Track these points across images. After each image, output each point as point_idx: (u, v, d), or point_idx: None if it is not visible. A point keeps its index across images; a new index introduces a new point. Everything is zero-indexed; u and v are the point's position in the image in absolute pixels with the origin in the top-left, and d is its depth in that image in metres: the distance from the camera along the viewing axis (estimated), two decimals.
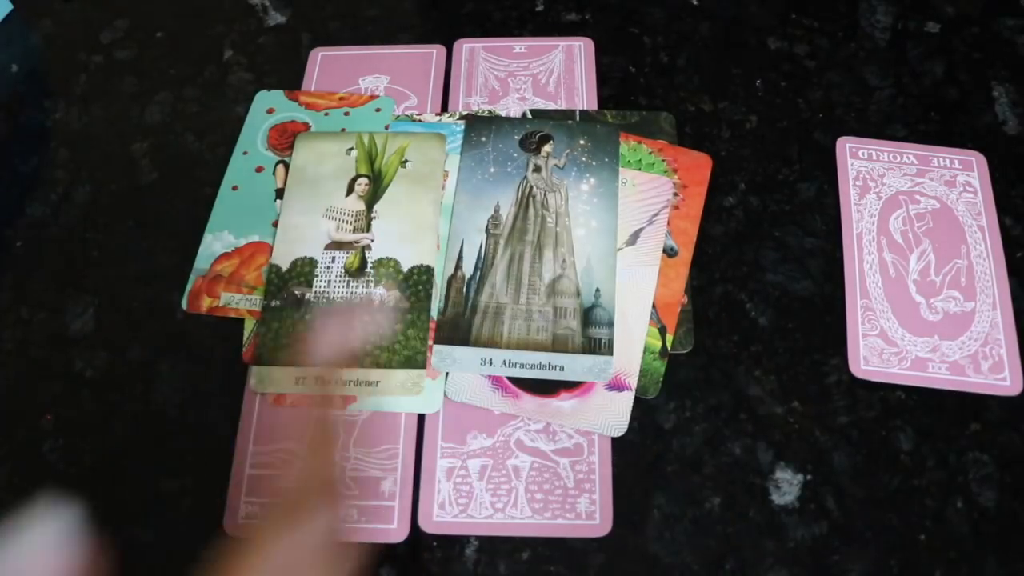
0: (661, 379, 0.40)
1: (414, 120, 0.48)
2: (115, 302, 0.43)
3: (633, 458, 0.39)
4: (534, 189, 0.44)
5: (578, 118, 0.47)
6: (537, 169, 0.44)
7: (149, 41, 0.53)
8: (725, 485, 0.38)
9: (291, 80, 0.50)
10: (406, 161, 0.45)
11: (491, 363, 0.40)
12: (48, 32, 0.54)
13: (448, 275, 0.42)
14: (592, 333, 0.40)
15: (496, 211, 0.43)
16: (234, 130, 0.48)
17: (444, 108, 0.49)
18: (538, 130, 0.46)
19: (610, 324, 0.40)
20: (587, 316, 0.40)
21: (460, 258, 0.42)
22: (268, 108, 0.49)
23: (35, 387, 0.41)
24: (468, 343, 0.40)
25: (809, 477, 0.38)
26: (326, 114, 0.48)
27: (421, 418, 0.40)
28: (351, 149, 0.46)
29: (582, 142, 0.45)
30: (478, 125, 0.46)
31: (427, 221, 0.43)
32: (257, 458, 0.39)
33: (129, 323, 0.43)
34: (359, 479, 0.38)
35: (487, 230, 0.43)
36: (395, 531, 0.37)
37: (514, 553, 0.37)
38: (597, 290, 0.41)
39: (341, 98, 0.49)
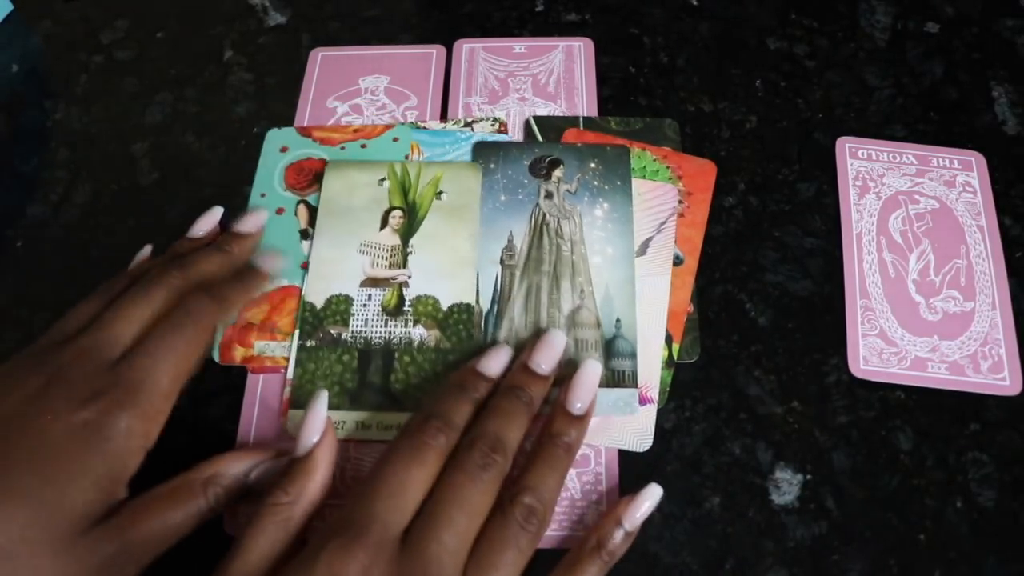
0: (668, 388, 0.40)
1: (419, 127, 0.47)
2: None
3: (633, 458, 0.39)
4: (547, 216, 0.42)
5: (582, 125, 0.47)
6: (549, 195, 0.43)
7: (149, 41, 0.53)
8: (725, 485, 0.38)
9: (291, 80, 0.50)
10: (441, 192, 0.43)
11: None
12: (48, 32, 0.54)
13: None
14: (615, 366, 0.39)
15: (510, 241, 0.42)
16: (234, 130, 0.48)
17: (444, 108, 0.49)
18: (547, 154, 0.45)
19: (633, 355, 0.39)
20: (609, 348, 0.39)
21: (476, 292, 0.41)
22: (281, 147, 0.47)
23: None
24: None
25: (809, 477, 0.38)
26: (342, 148, 0.46)
27: None
28: (383, 180, 0.44)
29: (592, 165, 0.44)
30: (485, 151, 0.45)
31: (465, 256, 0.42)
32: None
33: None
34: (359, 479, 0.38)
35: (502, 261, 0.42)
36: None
37: None
38: (618, 320, 0.40)
39: (355, 130, 0.47)
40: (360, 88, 0.50)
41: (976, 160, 0.46)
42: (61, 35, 0.54)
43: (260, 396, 0.40)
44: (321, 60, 0.51)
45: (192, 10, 0.54)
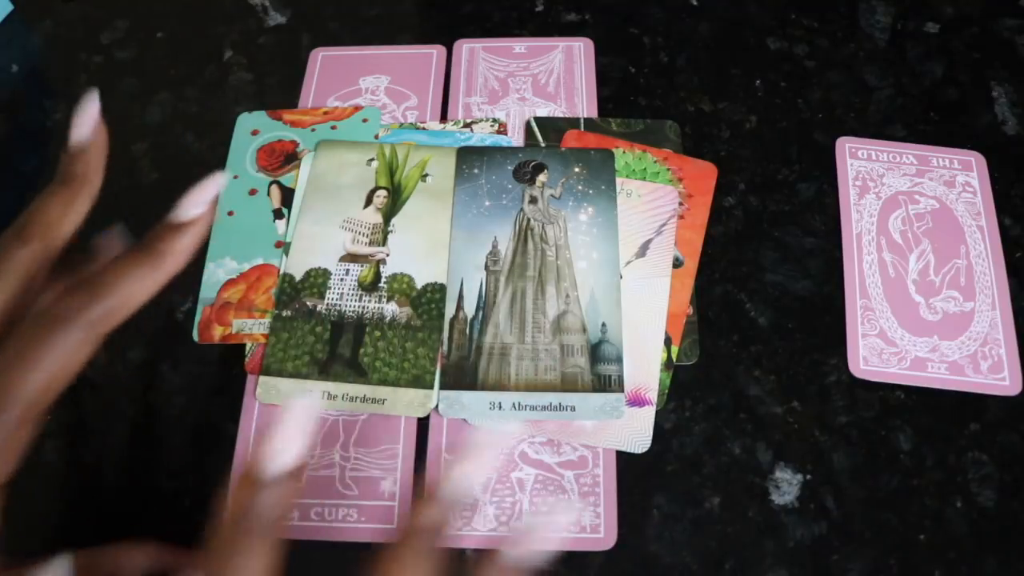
0: (667, 391, 0.40)
1: (418, 128, 0.47)
2: None
3: (633, 458, 0.39)
4: (531, 222, 0.43)
5: (582, 126, 0.47)
6: (533, 200, 0.43)
7: (149, 41, 0.53)
8: (725, 485, 0.38)
9: (291, 80, 0.50)
10: (426, 175, 0.44)
11: (500, 407, 0.38)
12: (48, 32, 0.54)
13: (450, 316, 0.41)
14: (601, 370, 0.39)
15: (494, 246, 0.42)
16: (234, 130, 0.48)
17: (444, 108, 0.49)
18: (531, 159, 0.45)
19: (619, 360, 0.39)
20: (595, 352, 0.39)
21: (461, 298, 0.41)
22: (252, 130, 0.48)
23: None
24: (475, 387, 0.39)
25: (809, 477, 0.38)
26: (312, 130, 0.47)
27: (422, 421, 0.40)
28: (372, 160, 0.45)
29: (577, 169, 0.44)
30: (469, 156, 0.45)
31: (443, 238, 0.43)
32: None
33: (129, 323, 0.43)
34: (359, 479, 0.38)
35: (486, 267, 0.42)
36: (395, 531, 0.37)
37: None
38: (603, 324, 0.40)
39: (325, 112, 0.48)
40: (360, 88, 0.50)
41: (976, 160, 0.46)
42: (61, 35, 0.54)
43: None
44: (321, 60, 0.51)
45: (192, 10, 0.54)
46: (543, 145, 0.46)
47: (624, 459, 0.39)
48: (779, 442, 0.39)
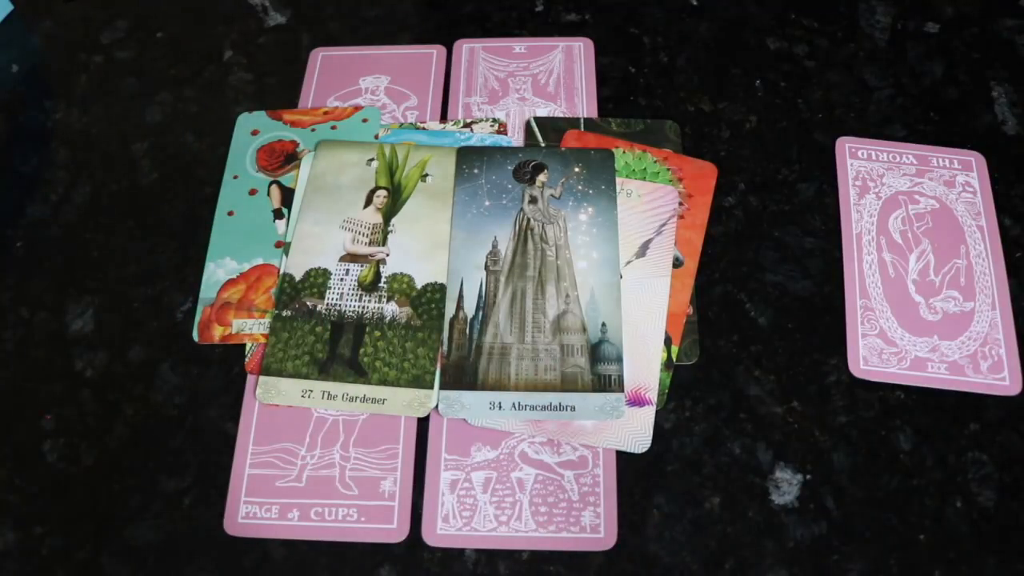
0: (667, 391, 0.40)
1: (418, 128, 0.47)
2: (115, 302, 0.44)
3: (633, 458, 0.39)
4: (531, 221, 0.43)
5: (583, 126, 0.47)
6: (533, 200, 0.43)
7: (149, 41, 0.53)
8: (725, 485, 0.38)
9: (291, 80, 0.50)
10: (426, 175, 0.44)
11: (500, 407, 0.39)
12: (48, 32, 0.54)
13: (450, 316, 0.41)
14: (601, 370, 0.39)
15: (494, 246, 0.42)
16: (234, 130, 0.48)
17: (444, 108, 0.49)
18: (531, 159, 0.45)
19: (619, 360, 0.39)
20: (595, 352, 0.40)
21: (460, 298, 0.41)
22: (252, 130, 0.48)
23: (35, 387, 0.41)
24: (475, 387, 0.39)
25: (809, 477, 0.38)
26: (312, 130, 0.47)
27: (422, 421, 0.40)
28: (372, 160, 0.45)
29: (576, 169, 0.44)
30: (469, 156, 0.45)
31: (443, 238, 0.43)
32: (257, 458, 0.39)
33: (129, 323, 0.43)
34: (359, 479, 0.38)
35: (486, 267, 0.42)
36: (395, 531, 0.37)
37: (514, 553, 0.37)
38: (603, 324, 0.40)
39: (326, 112, 0.48)
40: (360, 88, 0.50)
41: (976, 160, 0.46)
42: (61, 35, 0.54)
43: None
44: (321, 60, 0.51)
45: (192, 10, 0.54)
46: (543, 145, 0.46)
47: (624, 459, 0.39)
48: (779, 442, 0.39)
